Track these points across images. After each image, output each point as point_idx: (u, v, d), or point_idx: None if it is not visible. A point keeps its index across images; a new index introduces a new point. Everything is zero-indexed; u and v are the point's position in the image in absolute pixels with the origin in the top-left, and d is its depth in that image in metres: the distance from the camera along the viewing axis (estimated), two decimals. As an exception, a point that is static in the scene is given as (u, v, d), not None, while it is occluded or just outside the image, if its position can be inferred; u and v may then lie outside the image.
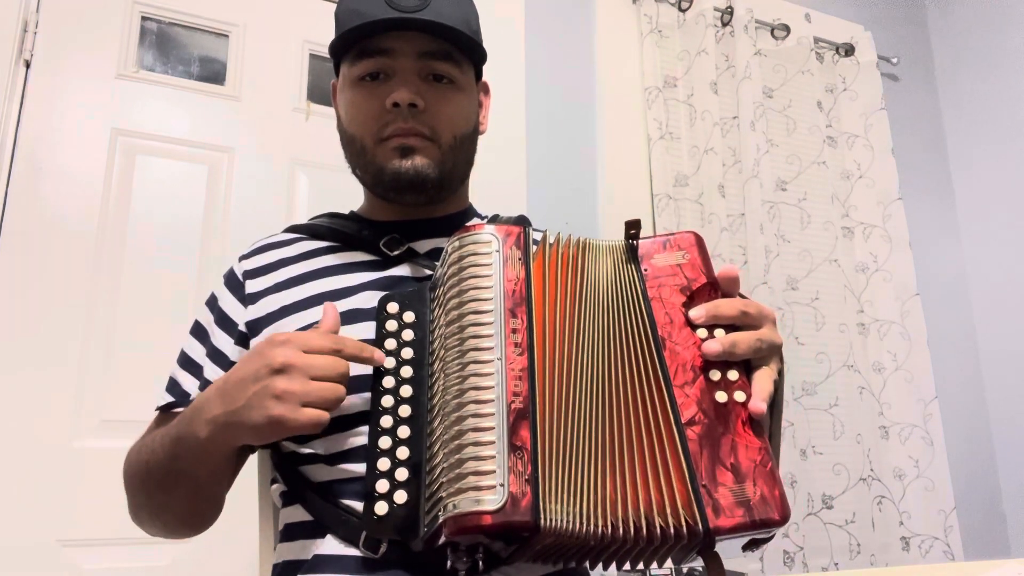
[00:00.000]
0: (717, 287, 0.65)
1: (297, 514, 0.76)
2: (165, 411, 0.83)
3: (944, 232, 2.35)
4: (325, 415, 0.63)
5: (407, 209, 0.85)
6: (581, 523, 0.56)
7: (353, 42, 0.81)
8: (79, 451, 1.37)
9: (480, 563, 0.59)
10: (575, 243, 0.68)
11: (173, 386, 0.84)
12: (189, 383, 0.83)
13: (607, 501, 0.58)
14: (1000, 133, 2.29)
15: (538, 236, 0.71)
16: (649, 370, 0.62)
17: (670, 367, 0.61)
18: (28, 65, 1.48)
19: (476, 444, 0.57)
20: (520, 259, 0.64)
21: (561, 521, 0.55)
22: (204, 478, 0.74)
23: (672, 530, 0.56)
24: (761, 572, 1.69)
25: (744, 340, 0.62)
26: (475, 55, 0.85)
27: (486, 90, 0.94)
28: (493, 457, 0.56)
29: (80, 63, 1.52)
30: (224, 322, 0.84)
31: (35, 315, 1.39)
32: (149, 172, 1.53)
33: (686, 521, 0.56)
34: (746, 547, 0.61)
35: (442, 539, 0.57)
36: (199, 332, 0.86)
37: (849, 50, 2.25)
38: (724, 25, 2.07)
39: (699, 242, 0.67)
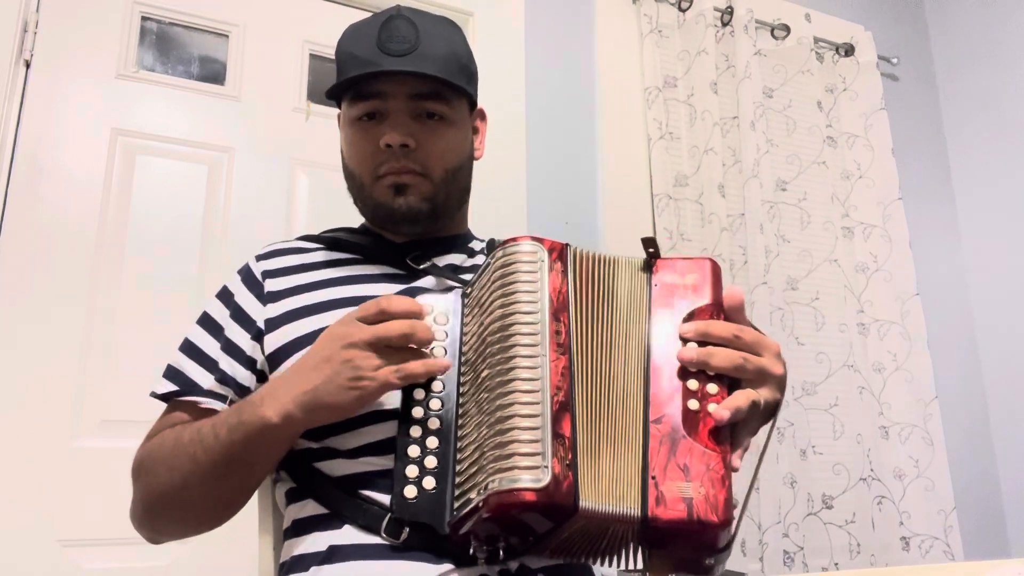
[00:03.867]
0: (720, 311, 0.68)
1: (308, 509, 0.77)
2: (172, 399, 0.83)
3: (944, 232, 2.35)
4: (393, 379, 0.67)
5: None
6: (602, 507, 0.60)
7: (349, 84, 0.85)
8: (79, 451, 1.37)
9: (501, 552, 0.63)
10: (599, 258, 0.71)
11: (176, 374, 0.84)
12: (199, 374, 0.83)
13: (606, 487, 0.61)
14: (1000, 133, 2.29)
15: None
16: (636, 372, 0.66)
17: (652, 373, 0.65)
18: (28, 65, 1.48)
19: (520, 428, 0.60)
20: (562, 271, 0.68)
21: (592, 505, 0.59)
22: (259, 466, 0.75)
23: (619, 512, 0.59)
24: (761, 572, 1.69)
25: (722, 353, 0.65)
26: (465, 89, 0.88)
27: (482, 116, 0.98)
28: (537, 441, 0.59)
29: (80, 63, 1.52)
30: (240, 317, 0.84)
31: (35, 315, 1.39)
32: (149, 172, 1.53)
33: (630, 505, 0.60)
34: (704, 556, 0.62)
35: (474, 519, 0.60)
36: (210, 324, 0.86)
37: (849, 50, 2.24)
38: (724, 25, 2.07)
39: (714, 269, 0.70)
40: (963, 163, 2.39)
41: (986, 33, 2.36)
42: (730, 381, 0.66)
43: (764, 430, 0.71)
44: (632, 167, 1.93)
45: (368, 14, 0.90)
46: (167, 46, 1.63)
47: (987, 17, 2.36)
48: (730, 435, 0.63)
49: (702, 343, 0.66)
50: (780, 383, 0.68)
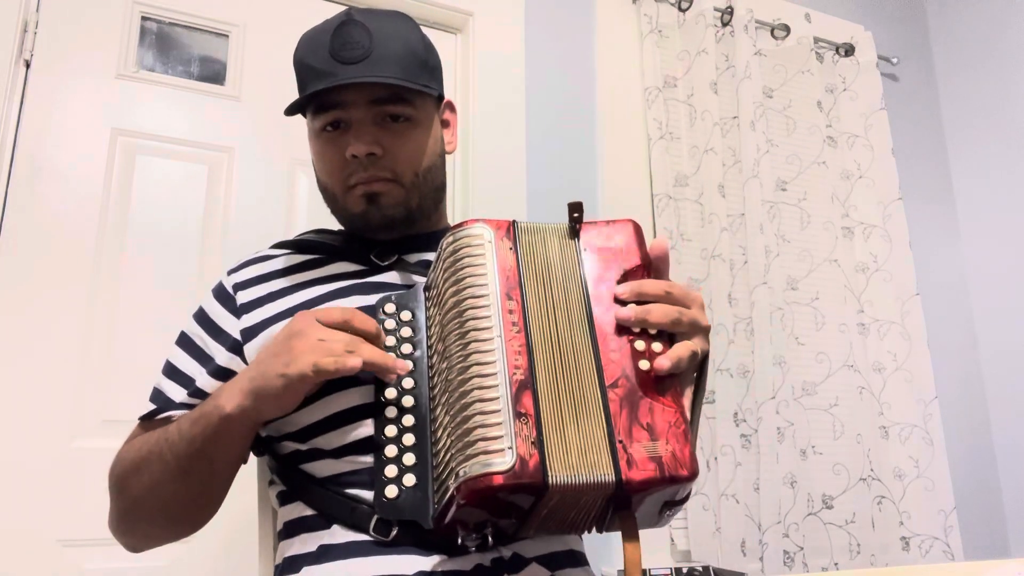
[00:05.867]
0: (649, 269, 0.70)
1: (297, 510, 0.78)
2: (149, 419, 0.84)
3: (944, 232, 2.35)
4: (325, 360, 0.66)
5: None
6: (574, 479, 0.60)
7: (306, 101, 0.84)
8: (79, 451, 1.37)
9: (489, 538, 0.63)
10: (535, 229, 0.72)
11: (157, 395, 0.85)
12: (175, 391, 0.83)
13: (575, 459, 0.62)
14: (1000, 133, 2.29)
15: None
16: (583, 340, 0.66)
17: (600, 338, 0.66)
18: (28, 65, 1.48)
19: (482, 413, 0.61)
20: (511, 248, 0.69)
21: (563, 479, 0.59)
22: (220, 458, 0.75)
23: (592, 480, 0.60)
24: (761, 572, 1.69)
25: (658, 309, 0.67)
26: (426, 87, 0.86)
27: (451, 108, 0.96)
28: (500, 424, 0.60)
29: (80, 63, 1.52)
30: (215, 331, 0.85)
31: (35, 315, 1.39)
32: (149, 172, 1.53)
33: (603, 472, 0.60)
34: (662, 509, 0.64)
35: (453, 508, 0.60)
36: (187, 343, 0.87)
37: (849, 50, 2.24)
38: (724, 25, 2.07)
39: (636, 229, 0.72)
40: (963, 163, 2.39)
41: (986, 33, 2.36)
42: (669, 336, 0.67)
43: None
44: (632, 167, 1.93)
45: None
46: (167, 46, 1.63)
47: (988, 17, 2.36)
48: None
49: (638, 302, 0.67)
50: (707, 333, 0.71)
